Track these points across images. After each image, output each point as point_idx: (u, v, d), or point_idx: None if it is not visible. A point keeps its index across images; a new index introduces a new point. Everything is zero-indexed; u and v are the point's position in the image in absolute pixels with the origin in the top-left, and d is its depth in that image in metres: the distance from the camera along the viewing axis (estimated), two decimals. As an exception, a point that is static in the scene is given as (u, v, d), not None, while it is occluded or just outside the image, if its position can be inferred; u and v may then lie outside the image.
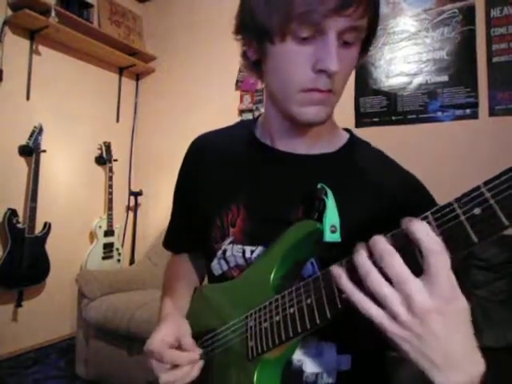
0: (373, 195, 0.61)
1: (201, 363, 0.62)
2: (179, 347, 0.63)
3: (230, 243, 0.66)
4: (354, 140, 0.70)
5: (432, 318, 0.37)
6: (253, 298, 0.57)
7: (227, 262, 0.67)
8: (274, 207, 0.63)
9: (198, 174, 0.75)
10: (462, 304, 0.37)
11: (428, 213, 0.37)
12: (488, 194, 0.33)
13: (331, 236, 0.52)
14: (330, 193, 0.55)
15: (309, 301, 0.47)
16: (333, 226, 0.52)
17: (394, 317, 0.38)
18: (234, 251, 0.66)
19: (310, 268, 0.59)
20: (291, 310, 0.49)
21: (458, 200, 0.36)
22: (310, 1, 0.49)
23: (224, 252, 0.67)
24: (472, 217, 0.34)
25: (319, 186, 0.56)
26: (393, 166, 0.67)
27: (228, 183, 0.70)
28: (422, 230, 0.36)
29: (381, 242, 0.39)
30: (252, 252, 0.64)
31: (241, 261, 0.65)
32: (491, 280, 1.69)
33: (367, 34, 0.56)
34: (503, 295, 1.66)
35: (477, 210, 0.34)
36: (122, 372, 2.10)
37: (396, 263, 0.37)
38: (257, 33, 0.57)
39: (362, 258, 0.40)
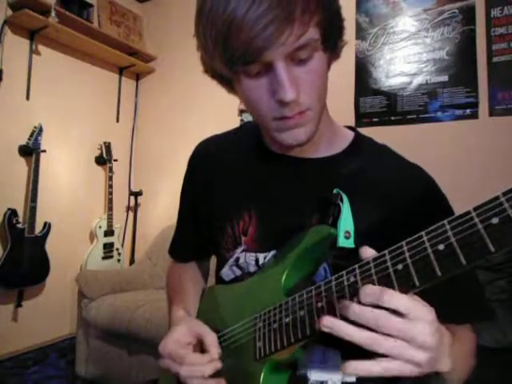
0: (384, 198, 0.60)
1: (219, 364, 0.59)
2: (196, 346, 0.62)
3: (243, 251, 0.66)
4: (359, 139, 0.69)
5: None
6: (263, 299, 0.57)
7: (240, 269, 0.67)
8: (286, 213, 0.63)
9: (205, 181, 0.74)
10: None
11: (445, 221, 0.38)
12: (507, 204, 0.34)
13: (345, 242, 0.52)
14: (345, 198, 0.55)
15: (319, 304, 0.47)
16: (347, 232, 0.52)
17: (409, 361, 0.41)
18: (247, 259, 0.66)
19: (322, 273, 0.59)
20: (301, 313, 0.49)
21: (476, 209, 0.36)
22: (239, 44, 0.47)
23: (237, 260, 0.67)
24: (490, 226, 0.35)
25: (335, 191, 0.56)
26: (401, 163, 0.66)
27: (238, 191, 0.69)
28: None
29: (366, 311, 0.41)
30: (265, 258, 0.64)
31: (253, 268, 0.65)
32: (492, 279, 1.69)
33: (327, 35, 0.52)
34: (504, 295, 1.67)
35: (495, 220, 0.34)
36: (122, 372, 2.09)
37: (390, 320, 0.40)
38: (214, 75, 0.59)
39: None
